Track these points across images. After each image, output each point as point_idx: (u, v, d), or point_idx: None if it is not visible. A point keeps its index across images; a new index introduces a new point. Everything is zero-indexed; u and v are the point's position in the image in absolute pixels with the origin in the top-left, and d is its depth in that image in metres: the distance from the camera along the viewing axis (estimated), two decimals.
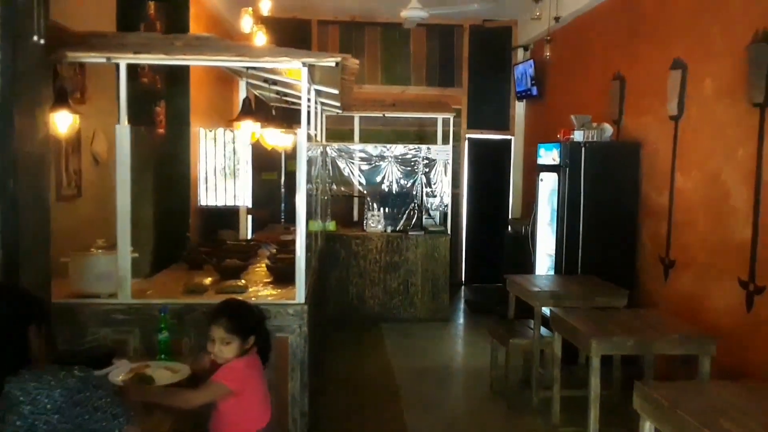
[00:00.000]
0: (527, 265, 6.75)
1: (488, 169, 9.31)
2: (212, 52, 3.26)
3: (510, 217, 9.24)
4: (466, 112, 8.89)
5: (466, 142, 9.11)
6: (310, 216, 5.28)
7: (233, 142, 7.20)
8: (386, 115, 7.52)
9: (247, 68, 4.23)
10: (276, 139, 5.38)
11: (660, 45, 5.39)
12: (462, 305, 8.19)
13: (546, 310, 4.62)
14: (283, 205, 8.78)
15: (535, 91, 8.29)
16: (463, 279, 9.32)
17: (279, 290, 3.94)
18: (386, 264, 7.15)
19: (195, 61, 3.26)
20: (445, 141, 7.62)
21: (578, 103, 6.94)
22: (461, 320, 7.48)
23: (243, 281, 3.99)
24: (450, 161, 7.27)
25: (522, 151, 9.20)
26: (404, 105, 7.51)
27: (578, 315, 3.91)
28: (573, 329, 3.71)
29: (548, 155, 5.81)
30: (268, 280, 4.26)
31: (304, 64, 3.47)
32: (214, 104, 7.38)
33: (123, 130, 3.43)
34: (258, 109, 8.11)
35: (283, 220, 8.04)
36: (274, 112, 7.75)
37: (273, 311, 3.52)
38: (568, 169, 5.50)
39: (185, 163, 6.52)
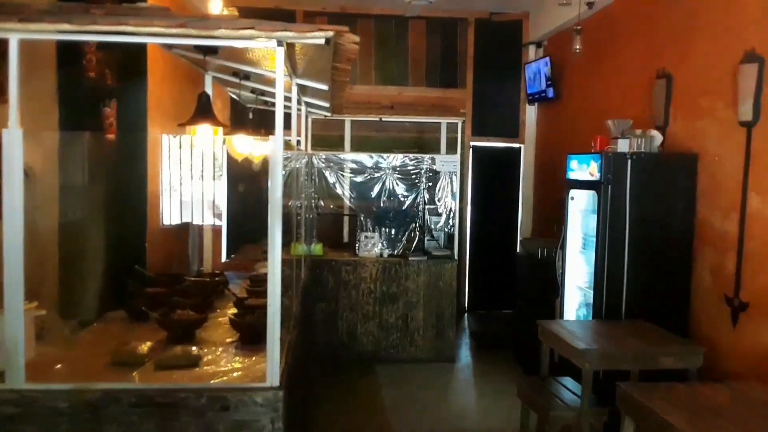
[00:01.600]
0: (545, 293, 5.71)
1: (495, 182, 8.26)
2: (139, 22, 2.16)
3: (520, 236, 8.19)
4: (470, 116, 7.83)
5: (470, 150, 8.06)
6: (292, 239, 4.20)
7: (214, 152, 6.10)
8: (383, 119, 6.44)
9: (204, 54, 3.15)
10: (248, 146, 4.29)
11: (725, 34, 4.38)
12: (467, 339, 7.12)
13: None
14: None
15: (551, 92, 7.27)
16: (467, 305, 8.26)
17: (245, 359, 2.85)
18: (382, 295, 6.06)
19: (110, 35, 2.18)
20: (450, 150, 6.58)
21: (608, 107, 5.92)
22: (469, 360, 6.40)
23: (195, 349, 2.88)
24: (458, 173, 6.21)
25: (533, 162, 8.16)
26: (403, 108, 6.45)
27: (657, 394, 2.85)
28: (663, 425, 2.62)
29: (582, 169, 4.76)
30: (233, 339, 3.17)
31: (280, 43, 2.38)
32: (179, 105, 6.25)
33: (11, 136, 2.33)
34: (234, 112, 7.01)
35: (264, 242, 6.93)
36: (251, 115, 6.69)
37: (233, 400, 2.42)
38: (610, 186, 4.46)
39: (141, 175, 5.39)
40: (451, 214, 6.29)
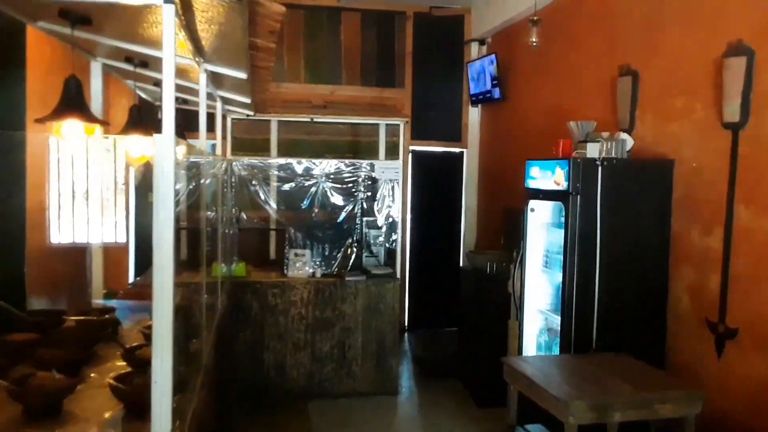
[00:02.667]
0: (496, 313, 5.13)
1: (435, 189, 7.63)
2: None
3: (463, 248, 7.59)
4: (410, 118, 7.15)
5: (410, 155, 7.39)
6: (201, 260, 3.39)
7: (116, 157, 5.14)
8: (315, 119, 5.66)
9: (73, 25, 2.32)
10: (144, 149, 3.43)
11: (702, 24, 3.88)
12: (409, 364, 6.43)
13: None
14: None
15: (497, 93, 6.70)
16: (407, 323, 7.58)
17: None
18: (315, 321, 5.29)
19: None
20: (390, 155, 5.89)
21: (563, 108, 5.38)
22: (414, 391, 5.70)
23: None
24: (400, 181, 5.50)
25: (477, 168, 7.58)
26: (338, 107, 5.69)
27: None
28: None
29: (546, 177, 4.16)
30: (114, 412, 2.33)
31: None
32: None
33: None
34: (143, 112, 6.12)
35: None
36: (160, 115, 5.77)
37: None
38: (579, 196, 3.87)
39: (19, 184, 4.41)
40: (392, 227, 5.58)
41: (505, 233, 6.51)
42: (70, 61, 5.16)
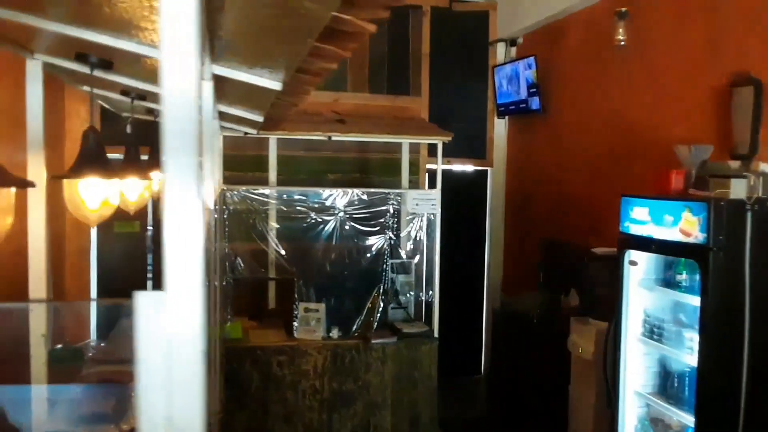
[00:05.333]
0: (545, 371, 4.11)
1: (455, 214, 6.51)
2: None
3: (487, 282, 6.49)
4: (451, 137, 6.02)
5: (426, 175, 6.27)
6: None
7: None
8: (333, 137, 4.47)
9: None
10: (103, 195, 2.20)
11: None
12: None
13: None
14: (149, 270, 5.54)
15: (535, 103, 5.63)
16: None
17: None
18: (333, 396, 4.13)
19: None
20: (414, 176, 4.77)
21: (636, 125, 4.32)
22: None
23: None
24: (438, 214, 4.37)
25: (504, 189, 6.50)
26: (357, 122, 4.50)
27: None
28: None
29: (660, 221, 3.07)
30: None
31: None
32: (16, 117, 4.00)
33: None
34: (105, 125, 4.96)
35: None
36: (129, 129, 4.58)
37: None
38: (722, 252, 2.80)
39: None
40: (425, 272, 4.45)
41: (546, 271, 5.44)
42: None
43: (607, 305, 3.97)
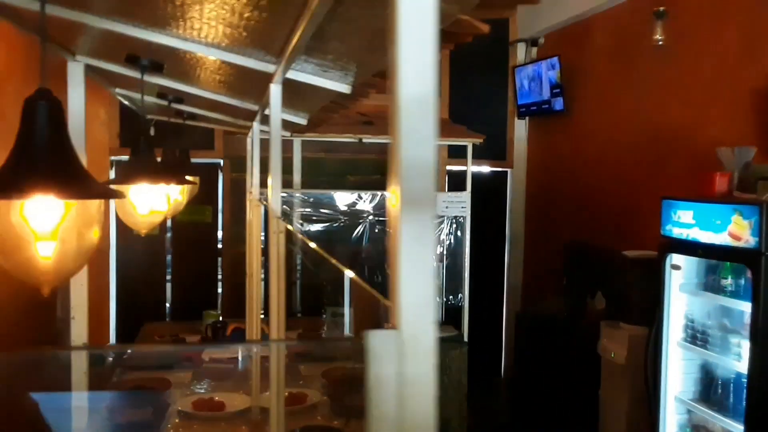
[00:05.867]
0: (574, 375, 4.05)
1: (475, 215, 6.43)
2: None
3: (507, 284, 6.43)
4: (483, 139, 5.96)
5: (446, 177, 6.21)
6: None
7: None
8: (364, 139, 4.41)
9: None
10: (154, 203, 2.13)
11: None
12: None
13: None
14: (168, 283, 5.48)
15: (558, 104, 5.57)
16: None
17: None
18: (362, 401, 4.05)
19: None
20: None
21: (666, 127, 4.25)
22: None
23: None
24: (468, 218, 4.31)
25: (524, 191, 6.44)
26: (386, 123, 4.44)
27: None
28: None
29: (707, 224, 3.01)
30: None
31: None
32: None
33: None
34: (125, 126, 4.92)
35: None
36: (153, 131, 4.53)
37: None
38: None
39: None
40: (453, 274, 4.38)
41: (570, 274, 5.38)
42: (29, 61, 3.85)
43: (639, 309, 3.92)
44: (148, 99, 3.66)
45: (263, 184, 2.95)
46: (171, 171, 2.71)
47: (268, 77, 1.83)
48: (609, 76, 5.01)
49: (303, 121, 2.55)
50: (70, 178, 1.03)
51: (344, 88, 1.73)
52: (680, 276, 3.31)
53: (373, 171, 5.82)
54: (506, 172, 6.48)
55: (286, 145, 4.94)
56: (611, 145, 4.96)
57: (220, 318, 4.10)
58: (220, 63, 1.89)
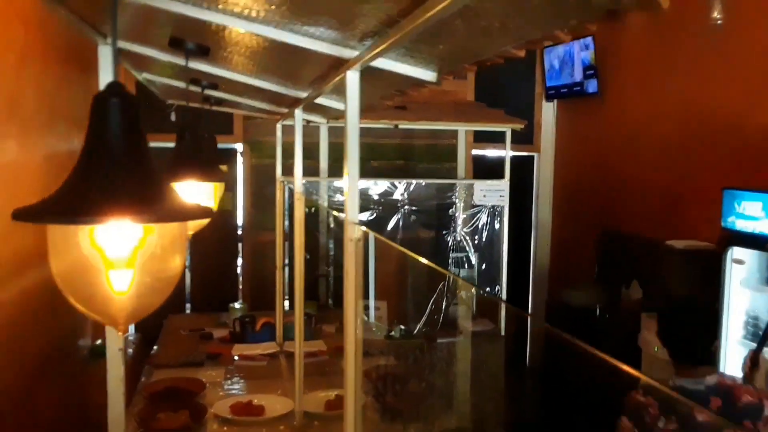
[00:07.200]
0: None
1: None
2: None
3: (533, 272, 6.25)
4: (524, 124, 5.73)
5: (471, 161, 6.00)
6: None
7: None
8: (399, 126, 4.20)
9: None
10: (195, 197, 1.96)
11: None
12: None
13: None
14: (187, 270, 5.31)
15: (592, 86, 5.34)
16: None
17: None
18: (395, 398, 3.89)
19: None
20: (448, 160, 4.48)
21: (715, 111, 4.03)
22: None
23: None
24: (506, 207, 4.12)
25: (552, 176, 6.23)
26: (420, 108, 4.20)
27: None
28: None
29: None
30: None
31: None
32: (55, 106, 3.74)
33: None
34: (146, 110, 4.59)
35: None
36: (174, 117, 4.34)
37: None
38: None
39: None
40: (490, 266, 4.20)
41: (603, 263, 5.21)
42: (54, 46, 3.63)
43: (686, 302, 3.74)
44: (171, 83, 3.46)
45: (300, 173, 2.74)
46: (207, 161, 2.52)
47: (334, 62, 1.63)
48: (649, 56, 4.77)
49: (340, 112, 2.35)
50: (151, 196, 0.84)
51: (429, 75, 1.53)
52: (743, 270, 3.12)
53: (395, 156, 5.61)
54: (532, 156, 6.27)
55: (311, 131, 4.74)
56: (651, 130, 4.75)
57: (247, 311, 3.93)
58: (274, 46, 1.69)
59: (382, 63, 1.43)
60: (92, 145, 0.84)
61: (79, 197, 0.81)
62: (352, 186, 1.44)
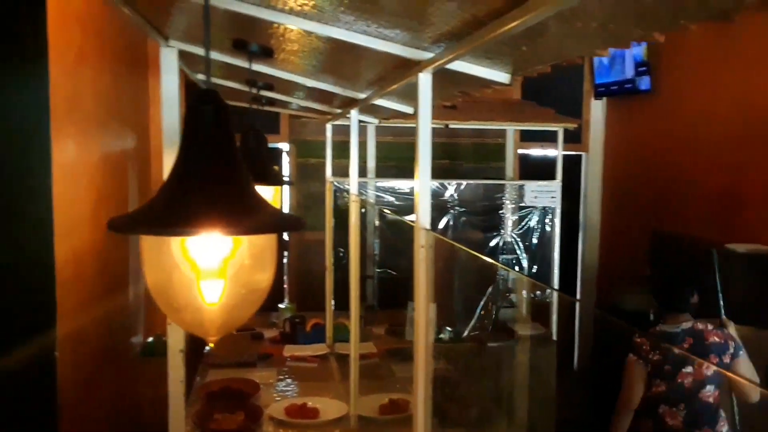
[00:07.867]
0: None
1: None
2: None
3: (581, 272, 6.13)
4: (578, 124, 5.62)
5: (518, 160, 5.90)
6: None
7: None
8: (451, 125, 4.15)
9: None
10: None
11: None
12: None
13: None
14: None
15: (644, 83, 5.20)
16: None
17: None
18: (447, 401, 3.86)
19: None
20: (495, 159, 4.40)
21: None
22: None
23: None
24: (558, 209, 4.04)
25: (601, 176, 6.09)
26: (469, 107, 4.13)
27: None
28: None
29: None
30: None
31: None
32: (111, 104, 3.81)
33: None
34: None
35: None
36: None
37: None
38: None
39: (41, 201, 2.97)
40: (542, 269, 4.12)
41: (656, 265, 5.06)
42: (111, 47, 3.68)
43: (752, 308, 3.63)
44: (223, 83, 3.48)
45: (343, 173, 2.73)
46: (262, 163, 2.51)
47: (399, 63, 1.60)
48: (707, 51, 4.62)
49: (409, 110, 2.32)
50: (244, 208, 0.82)
51: (503, 77, 1.49)
52: None
53: (439, 155, 5.54)
54: (580, 156, 6.14)
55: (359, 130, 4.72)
56: (708, 128, 4.59)
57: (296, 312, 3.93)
58: (337, 46, 1.66)
59: (456, 65, 1.39)
60: (187, 154, 0.82)
61: (174, 208, 0.80)
62: (423, 190, 1.41)
